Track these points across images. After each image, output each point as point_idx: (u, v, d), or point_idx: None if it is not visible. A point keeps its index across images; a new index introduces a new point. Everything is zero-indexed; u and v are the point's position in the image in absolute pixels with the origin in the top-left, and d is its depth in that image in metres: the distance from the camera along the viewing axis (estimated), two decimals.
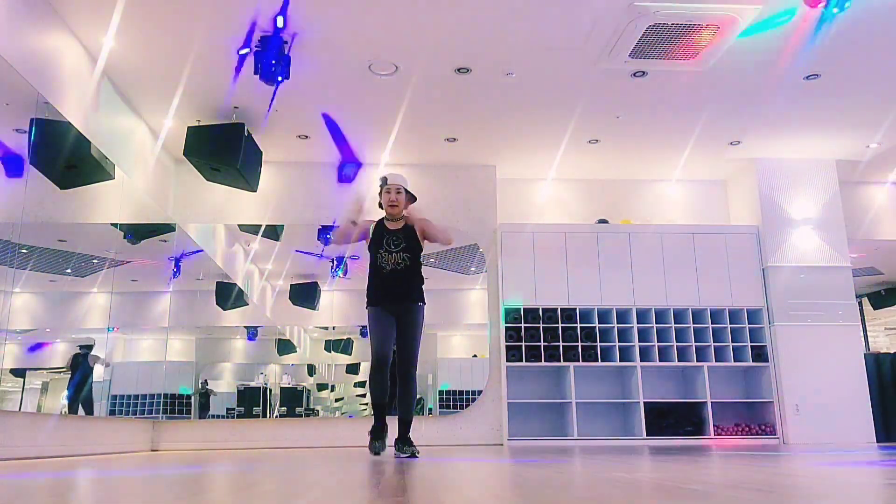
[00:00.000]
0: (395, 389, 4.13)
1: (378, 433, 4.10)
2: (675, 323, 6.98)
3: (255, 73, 4.88)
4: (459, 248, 7.29)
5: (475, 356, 7.30)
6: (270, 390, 7.18)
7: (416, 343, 4.14)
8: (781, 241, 7.20)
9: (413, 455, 3.90)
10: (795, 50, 5.21)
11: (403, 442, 4.02)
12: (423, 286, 4.25)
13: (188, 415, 6.86)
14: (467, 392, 7.05)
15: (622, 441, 6.73)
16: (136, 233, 6.23)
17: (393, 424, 4.14)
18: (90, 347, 5.50)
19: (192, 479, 2.32)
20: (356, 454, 4.37)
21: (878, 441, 6.77)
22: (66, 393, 5.28)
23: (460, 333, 7.54)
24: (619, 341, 6.91)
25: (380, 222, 4.28)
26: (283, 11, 4.59)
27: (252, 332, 7.44)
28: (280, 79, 4.85)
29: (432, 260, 7.24)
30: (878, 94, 6.02)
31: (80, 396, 5.41)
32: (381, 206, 4.31)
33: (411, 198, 4.34)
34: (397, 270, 4.15)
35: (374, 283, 4.20)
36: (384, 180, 4.26)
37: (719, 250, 7.20)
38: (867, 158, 7.38)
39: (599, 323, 6.94)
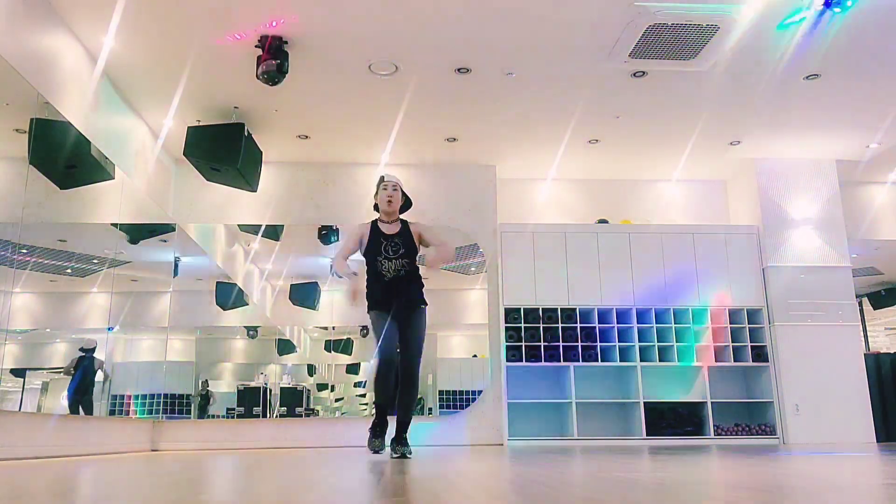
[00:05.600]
0: (395, 390, 4.11)
1: (378, 431, 4.09)
2: (674, 323, 6.98)
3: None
4: (459, 248, 7.29)
5: (475, 356, 7.30)
6: (270, 390, 7.17)
7: (421, 345, 4.09)
8: (781, 241, 7.20)
9: (404, 455, 3.90)
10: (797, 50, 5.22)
11: (398, 442, 4.01)
12: (423, 288, 4.20)
13: (188, 415, 6.86)
14: (467, 392, 7.05)
15: (622, 441, 6.73)
16: (135, 233, 6.22)
17: (392, 423, 4.14)
18: (93, 349, 5.50)
19: (192, 480, 2.32)
20: (356, 454, 4.36)
21: (878, 441, 6.76)
22: (65, 394, 5.28)
23: (460, 333, 7.54)
24: (619, 341, 6.91)
25: (374, 226, 4.17)
26: None
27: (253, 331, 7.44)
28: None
29: None
30: (878, 94, 6.02)
31: (83, 398, 5.41)
32: (376, 208, 4.24)
33: (407, 201, 4.30)
34: (399, 277, 4.08)
35: (375, 290, 4.11)
36: (381, 179, 4.23)
37: (719, 250, 7.20)
38: (867, 158, 7.38)
39: (599, 323, 6.94)
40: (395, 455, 3.92)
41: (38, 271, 4.78)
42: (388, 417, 4.15)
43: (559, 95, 5.98)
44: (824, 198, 7.34)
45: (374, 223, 4.20)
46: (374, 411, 4.21)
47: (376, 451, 4.07)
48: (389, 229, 4.15)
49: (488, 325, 7.06)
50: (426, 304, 4.18)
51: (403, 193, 4.25)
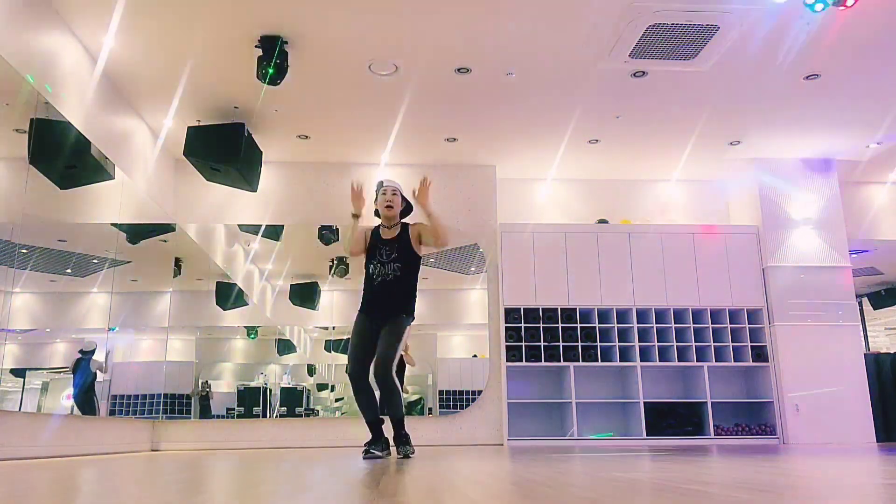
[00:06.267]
0: (375, 401, 4.08)
1: (373, 444, 4.04)
2: (675, 323, 6.98)
3: None
4: (459, 248, 7.29)
5: (475, 356, 7.30)
6: (270, 390, 7.17)
7: (393, 350, 3.96)
8: (781, 241, 7.20)
9: (406, 455, 3.89)
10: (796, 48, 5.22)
11: (399, 441, 4.01)
12: (413, 301, 4.12)
13: (188, 415, 6.86)
14: (467, 392, 7.05)
15: (622, 441, 6.73)
16: (135, 233, 6.22)
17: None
18: (92, 351, 5.50)
19: (192, 480, 2.32)
20: (356, 454, 4.36)
21: (878, 441, 6.76)
22: (67, 392, 5.28)
23: (460, 333, 7.54)
24: (619, 341, 6.91)
25: (375, 231, 4.18)
26: None
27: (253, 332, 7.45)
28: None
29: (432, 260, 7.24)
30: (878, 94, 6.02)
31: (82, 400, 5.41)
32: (377, 213, 4.22)
33: (407, 206, 4.27)
34: (387, 283, 4.04)
35: (365, 294, 4.14)
36: (380, 184, 4.22)
37: (719, 250, 7.20)
38: (867, 158, 7.38)
39: (599, 323, 6.94)
40: (398, 455, 3.91)
41: (38, 271, 4.78)
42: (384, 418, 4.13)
43: (559, 95, 5.98)
44: (824, 198, 7.34)
45: (377, 228, 4.20)
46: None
47: (370, 454, 4.02)
48: (388, 234, 4.15)
49: (488, 325, 7.06)
50: (409, 316, 4.09)
51: (404, 198, 4.23)
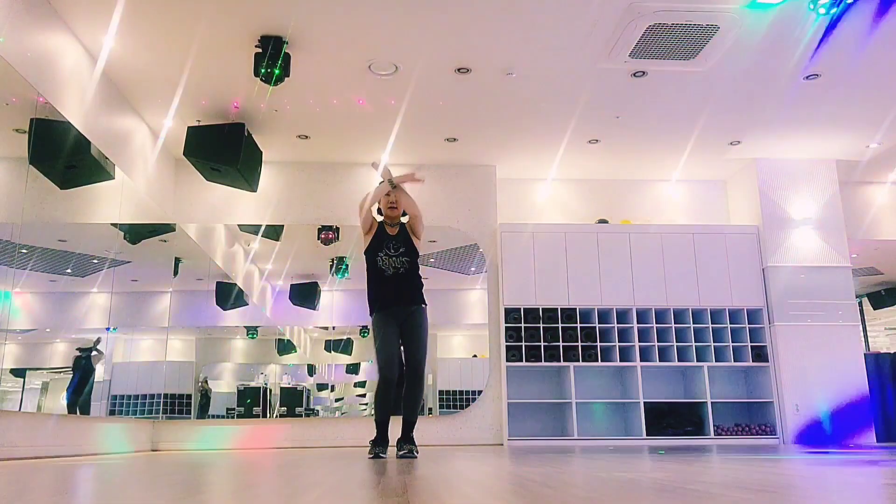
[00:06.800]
0: (400, 390, 4.12)
1: (379, 442, 4.06)
2: (675, 323, 6.98)
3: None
4: (459, 248, 7.29)
5: (475, 356, 7.30)
6: (270, 390, 7.17)
7: (425, 345, 4.15)
8: (781, 241, 7.20)
9: (411, 454, 3.92)
10: (796, 50, 5.22)
11: (405, 440, 4.03)
12: (423, 288, 4.27)
13: (188, 415, 6.86)
14: (467, 392, 7.05)
15: (622, 441, 6.73)
16: (135, 233, 6.22)
17: (396, 423, 4.12)
18: (90, 349, 5.49)
19: (191, 480, 2.32)
20: (356, 454, 4.36)
21: (878, 441, 6.76)
22: (64, 394, 5.28)
23: (460, 333, 7.54)
24: (619, 341, 6.91)
25: (381, 226, 4.29)
26: None
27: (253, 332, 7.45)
28: None
29: (432, 260, 7.24)
30: (878, 94, 6.02)
31: (79, 399, 5.41)
32: (379, 211, 4.32)
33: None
34: (401, 274, 4.17)
35: (377, 288, 4.19)
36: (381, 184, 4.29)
37: (719, 250, 7.20)
38: (867, 158, 7.37)
39: (599, 323, 6.94)
40: (400, 453, 3.93)
41: (38, 271, 4.78)
42: (392, 417, 4.14)
43: (559, 95, 5.98)
44: (824, 198, 7.33)
45: (381, 224, 4.31)
46: (373, 417, 4.18)
47: (377, 457, 4.04)
48: (392, 230, 4.28)
49: (488, 325, 7.06)
50: (425, 304, 4.25)
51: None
